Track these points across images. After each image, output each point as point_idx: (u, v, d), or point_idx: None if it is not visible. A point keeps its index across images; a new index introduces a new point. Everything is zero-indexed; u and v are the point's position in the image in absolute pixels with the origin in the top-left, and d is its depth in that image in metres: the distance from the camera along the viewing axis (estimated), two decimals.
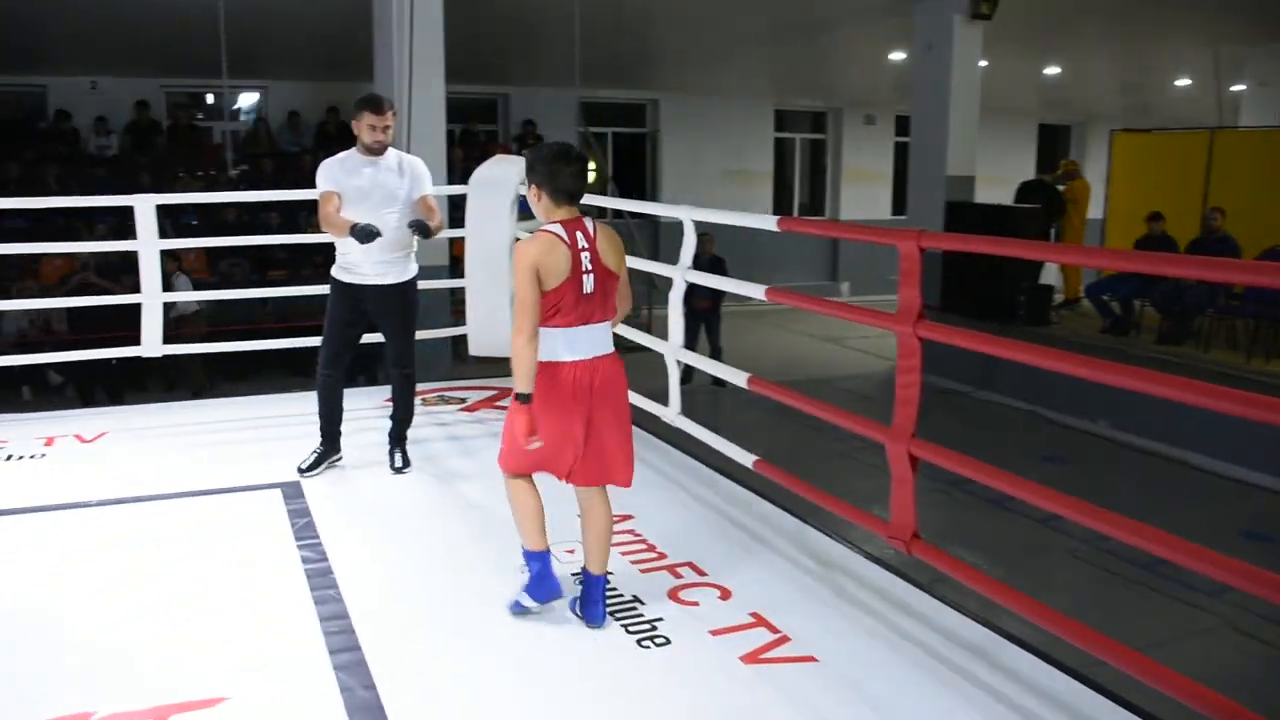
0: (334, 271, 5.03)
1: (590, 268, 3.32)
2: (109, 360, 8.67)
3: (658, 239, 15.69)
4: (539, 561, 3.53)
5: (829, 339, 14.39)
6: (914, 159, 12.57)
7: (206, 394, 9.69)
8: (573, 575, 3.72)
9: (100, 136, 13.42)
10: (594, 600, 3.49)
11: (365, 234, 4.61)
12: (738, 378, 4.24)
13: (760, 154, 17.90)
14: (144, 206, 6.07)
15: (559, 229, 3.31)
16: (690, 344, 11.37)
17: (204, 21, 10.95)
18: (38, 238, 11.27)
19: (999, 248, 3.13)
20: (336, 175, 4.87)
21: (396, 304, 5.04)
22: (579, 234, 3.32)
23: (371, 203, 4.86)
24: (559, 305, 3.30)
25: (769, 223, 3.92)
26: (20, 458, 5.42)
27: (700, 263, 10.87)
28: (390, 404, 5.26)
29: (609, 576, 3.56)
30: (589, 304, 3.34)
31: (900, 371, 3.24)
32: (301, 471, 5.05)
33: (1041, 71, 16.61)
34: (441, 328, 7.75)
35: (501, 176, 6.46)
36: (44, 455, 5.48)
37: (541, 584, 3.54)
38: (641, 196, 16.65)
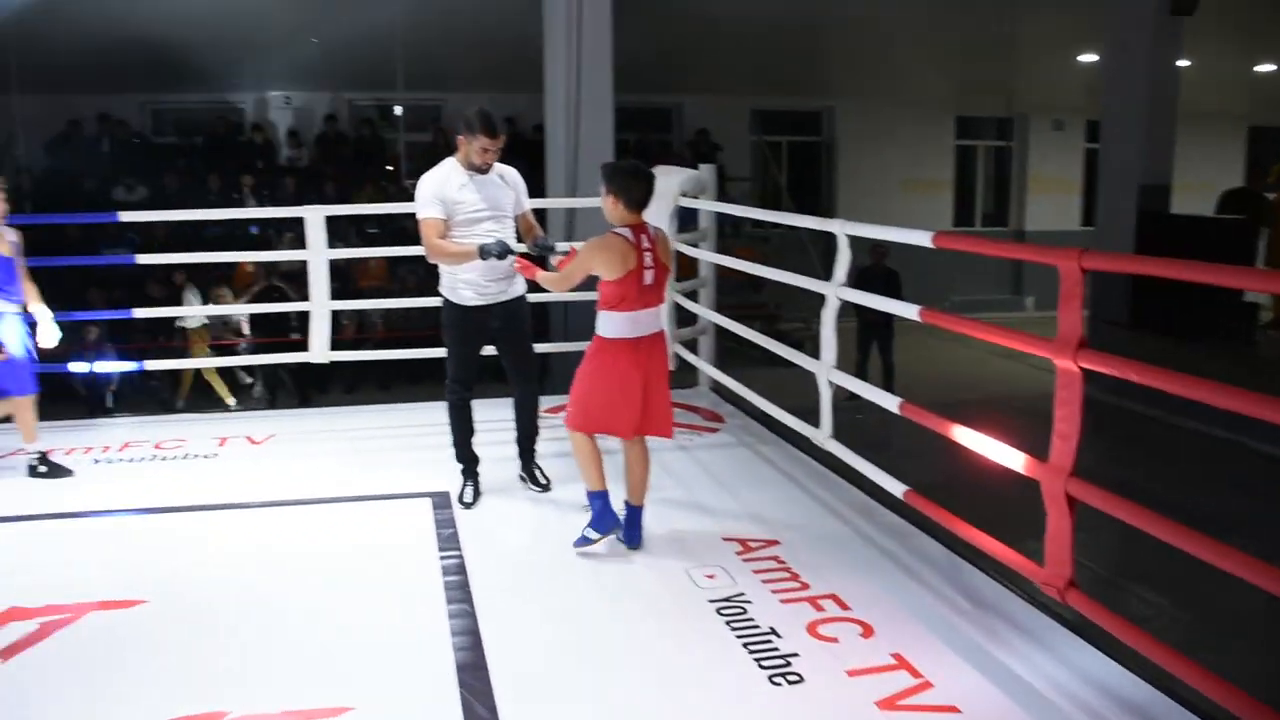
0: (449, 295, 4.87)
1: (650, 264, 4.08)
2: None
3: (831, 251, 15.35)
4: (601, 499, 4.23)
5: (1010, 355, 13.66)
6: (1104, 167, 11.83)
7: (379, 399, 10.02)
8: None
9: (292, 149, 14.09)
10: (635, 524, 4.30)
11: (502, 250, 4.52)
12: (889, 403, 4.02)
13: (940, 162, 17.32)
14: (314, 218, 6.26)
15: (627, 232, 4.05)
16: (863, 360, 11.09)
17: (386, 39, 11.34)
18: (232, 245, 11.95)
19: (1174, 270, 2.83)
20: (444, 197, 4.70)
21: (519, 319, 4.97)
22: (643, 236, 4.08)
23: (487, 219, 4.75)
24: (625, 294, 4.05)
25: (923, 238, 3.70)
26: (195, 457, 5.72)
27: (873, 275, 10.68)
28: (516, 419, 5.13)
29: None
30: (648, 293, 4.12)
31: (1059, 404, 2.98)
32: (466, 505, 4.87)
33: (1252, 69, 15.44)
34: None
35: (662, 188, 6.40)
36: (216, 455, 5.75)
37: (604, 518, 4.22)
38: (815, 206, 16.35)
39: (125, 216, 6.82)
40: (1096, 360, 2.89)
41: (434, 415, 6.31)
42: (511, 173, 4.93)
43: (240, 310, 11.01)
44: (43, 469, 5.34)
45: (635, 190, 4.03)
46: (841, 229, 4.31)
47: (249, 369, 11.61)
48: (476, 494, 4.94)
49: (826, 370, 4.48)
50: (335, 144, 14.23)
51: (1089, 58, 14.38)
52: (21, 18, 9.61)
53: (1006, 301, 16.70)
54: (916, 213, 16.25)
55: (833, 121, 16.64)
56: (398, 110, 15.08)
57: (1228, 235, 10.64)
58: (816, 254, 14.24)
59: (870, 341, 10.92)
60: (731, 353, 7.39)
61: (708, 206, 6.45)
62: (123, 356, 10.78)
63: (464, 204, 4.70)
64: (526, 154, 13.98)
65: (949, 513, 3.66)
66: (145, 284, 11.75)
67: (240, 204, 12.78)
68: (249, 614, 3.73)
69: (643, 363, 4.13)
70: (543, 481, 5.05)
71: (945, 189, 17.42)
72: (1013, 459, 3.22)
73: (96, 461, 5.65)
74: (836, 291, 4.37)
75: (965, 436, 3.47)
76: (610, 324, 4.11)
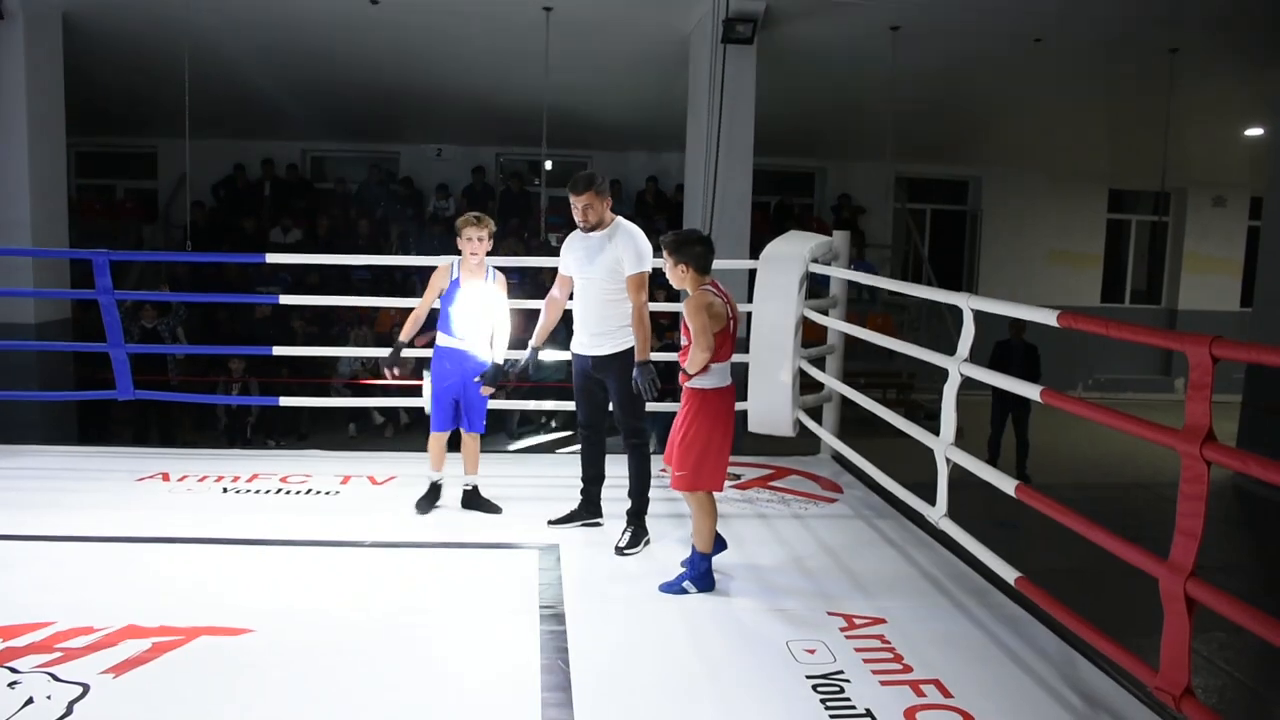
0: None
1: (733, 315, 4.42)
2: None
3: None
4: (709, 561, 4.45)
5: None
6: (1265, 245, 11.29)
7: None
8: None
9: (440, 200, 14.55)
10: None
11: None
12: (1005, 484, 3.87)
13: (1090, 236, 16.76)
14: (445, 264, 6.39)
15: (712, 288, 4.40)
16: (997, 434, 10.74)
17: (531, 96, 11.65)
18: (378, 290, 12.39)
19: None
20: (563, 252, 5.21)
21: (612, 374, 5.05)
22: (722, 291, 4.43)
23: (576, 276, 5.11)
24: (722, 345, 4.38)
25: (1048, 317, 3.57)
26: (318, 493, 5.88)
27: (1011, 349, 10.37)
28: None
29: None
30: (732, 344, 4.45)
31: (1183, 498, 2.81)
32: (550, 523, 5.21)
33: None
34: None
35: (792, 253, 6.35)
36: (338, 493, 5.89)
37: (707, 578, 4.44)
38: (958, 277, 16.02)
39: (272, 258, 7.11)
40: (1223, 454, 2.72)
41: (558, 468, 6.38)
42: (623, 234, 4.99)
43: (377, 353, 11.28)
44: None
45: (705, 260, 4.41)
46: (967, 303, 4.19)
47: (383, 410, 11.93)
48: (565, 521, 5.27)
49: (944, 447, 4.34)
50: (481, 196, 14.64)
51: (1254, 131, 13.79)
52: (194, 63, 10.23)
53: (1155, 382, 15.98)
54: (1063, 286, 15.76)
55: (979, 191, 16.32)
56: (548, 165, 15.47)
57: None
58: (953, 322, 13.93)
59: (1005, 416, 10.58)
60: (862, 420, 7.25)
61: (836, 273, 6.38)
62: (264, 391, 11.26)
63: (563, 260, 5.19)
64: (668, 212, 14.18)
65: (1059, 603, 3.48)
66: (290, 321, 12.30)
67: (388, 250, 13.25)
68: (347, 652, 3.78)
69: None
70: (620, 544, 4.97)
71: (1095, 263, 16.84)
72: (1129, 554, 3.05)
73: (225, 491, 5.86)
74: (959, 366, 4.24)
75: (1080, 525, 3.30)
76: (714, 376, 4.40)
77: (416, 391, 8.26)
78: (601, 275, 4.96)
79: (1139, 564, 3.02)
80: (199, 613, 4.04)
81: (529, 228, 14.07)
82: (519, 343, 5.60)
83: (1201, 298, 16.54)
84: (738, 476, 6.44)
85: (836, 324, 6.59)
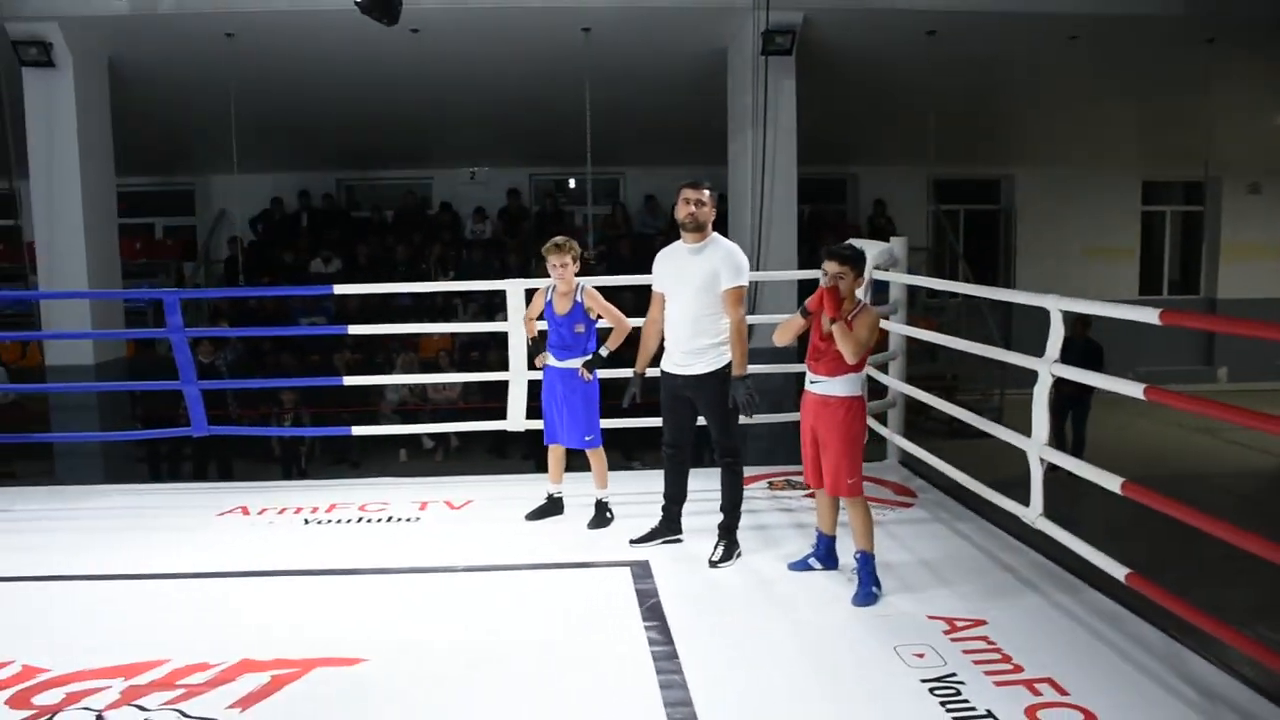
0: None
1: None
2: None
3: (1010, 320, 15.02)
4: (874, 559, 4.54)
5: (1201, 429, 13.11)
6: None
7: None
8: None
9: (477, 223, 14.67)
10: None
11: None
12: (1110, 482, 3.89)
13: (1125, 229, 16.72)
14: (514, 289, 6.47)
15: None
16: (1058, 433, 10.75)
17: (567, 116, 11.74)
18: (419, 315, 12.50)
19: None
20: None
21: (706, 393, 5.05)
22: None
23: (674, 291, 5.10)
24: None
25: (1150, 315, 3.60)
26: (399, 520, 5.92)
27: (1073, 347, 10.35)
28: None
29: None
30: None
31: None
32: (632, 542, 5.23)
33: None
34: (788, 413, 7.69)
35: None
36: (419, 519, 5.94)
37: (876, 576, 4.52)
38: (994, 275, 16.00)
39: (339, 290, 7.18)
40: None
41: (635, 485, 6.40)
42: (721, 247, 5.02)
43: (441, 379, 11.38)
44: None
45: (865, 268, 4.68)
46: (1055, 304, 4.22)
47: (433, 435, 12.02)
48: (647, 540, 5.27)
49: (1038, 448, 4.37)
50: (517, 218, 14.74)
51: None
52: (230, 100, 10.39)
53: (1198, 373, 15.90)
54: (1099, 280, 15.70)
55: (1012, 189, 16.31)
56: (571, 183, 15.58)
57: None
58: (995, 322, 13.93)
59: (1065, 413, 10.63)
60: (909, 424, 7.27)
61: (900, 279, 6.42)
62: (316, 421, 11.39)
63: (657, 278, 5.27)
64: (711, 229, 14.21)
65: (1176, 598, 3.51)
66: (336, 352, 12.43)
67: (428, 275, 13.36)
68: (465, 679, 3.81)
69: None
70: (713, 558, 5.02)
71: (1130, 257, 16.79)
72: (1254, 544, 3.07)
73: (306, 522, 5.91)
74: (1050, 368, 4.27)
75: (1201, 521, 3.33)
76: (859, 384, 4.58)
77: (465, 416, 8.39)
78: (696, 290, 4.95)
79: (1262, 553, 3.04)
80: (310, 644, 4.09)
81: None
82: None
83: (1241, 286, 16.44)
84: (809, 486, 6.45)
85: (900, 329, 6.63)
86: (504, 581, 4.89)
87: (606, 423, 5.68)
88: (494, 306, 12.99)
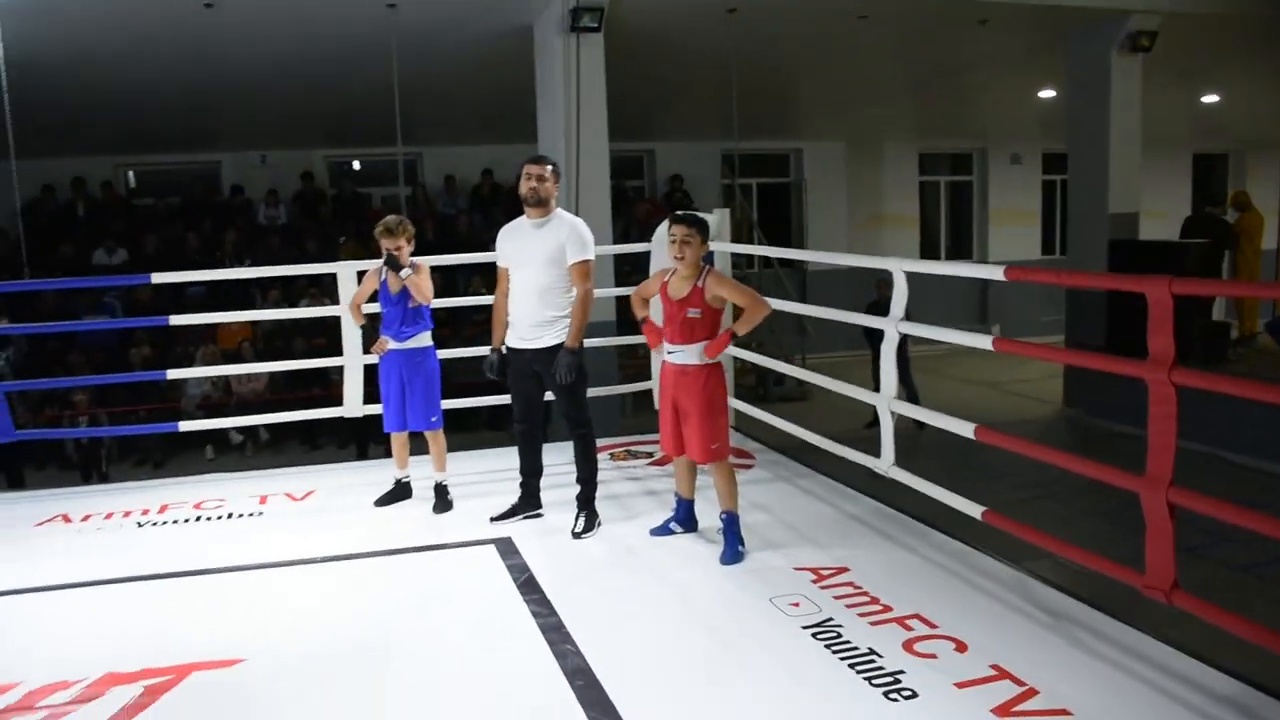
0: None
1: None
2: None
3: (805, 285, 15.69)
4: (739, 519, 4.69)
5: (985, 384, 14.11)
6: (1073, 198, 12.28)
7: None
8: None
9: (270, 208, 14.10)
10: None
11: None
12: (964, 429, 4.20)
13: (905, 199, 17.75)
14: (345, 273, 6.33)
15: None
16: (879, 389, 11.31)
17: (364, 95, 11.45)
18: (214, 304, 11.95)
19: (1261, 290, 3.03)
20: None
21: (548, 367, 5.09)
22: None
23: (517, 266, 5.12)
24: None
25: (995, 272, 3.89)
26: (241, 515, 5.71)
27: (881, 308, 10.94)
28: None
29: None
30: None
31: (1153, 419, 3.17)
32: (492, 519, 5.26)
33: (1199, 100, 16.06)
34: (610, 385, 7.80)
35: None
36: (261, 513, 5.74)
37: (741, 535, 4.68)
38: (787, 245, 16.64)
39: (158, 278, 6.72)
40: (1189, 377, 3.08)
41: (476, 464, 6.37)
42: (566, 221, 5.12)
43: (255, 369, 10.91)
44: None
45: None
46: (898, 266, 4.50)
47: (241, 429, 11.55)
48: (508, 515, 5.31)
49: (888, 401, 4.65)
50: (313, 202, 14.27)
51: (1046, 93, 14.89)
52: None
53: (975, 331, 17.03)
54: (885, 247, 16.61)
55: (800, 163, 16.99)
56: (355, 164, 15.21)
57: (1195, 258, 11.04)
58: (792, 287, 14.54)
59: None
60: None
61: (732, 249, 6.63)
62: (115, 421, 10.74)
63: (501, 252, 5.32)
64: (505, 204, 14.17)
65: (1034, 530, 3.83)
66: (128, 349, 11.73)
67: (223, 264, 12.76)
68: (360, 667, 3.74)
69: None
70: (576, 529, 5.10)
71: (912, 224, 17.83)
72: (1108, 474, 3.40)
73: (140, 525, 5.61)
74: (896, 326, 4.55)
75: (1048, 455, 3.64)
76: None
77: (273, 407, 8.08)
78: (542, 264, 5.00)
79: (1117, 482, 3.37)
80: (179, 650, 3.88)
81: (369, 230, 13.85)
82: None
83: (1008, 249, 17.70)
84: (651, 454, 6.62)
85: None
86: (370, 568, 4.80)
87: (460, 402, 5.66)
88: (294, 294, 12.56)
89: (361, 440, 10.52)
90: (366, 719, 3.39)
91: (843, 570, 4.46)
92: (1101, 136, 11.47)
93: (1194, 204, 17.69)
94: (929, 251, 18.01)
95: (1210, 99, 16.09)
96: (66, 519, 5.78)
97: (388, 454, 6.13)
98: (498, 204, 14.12)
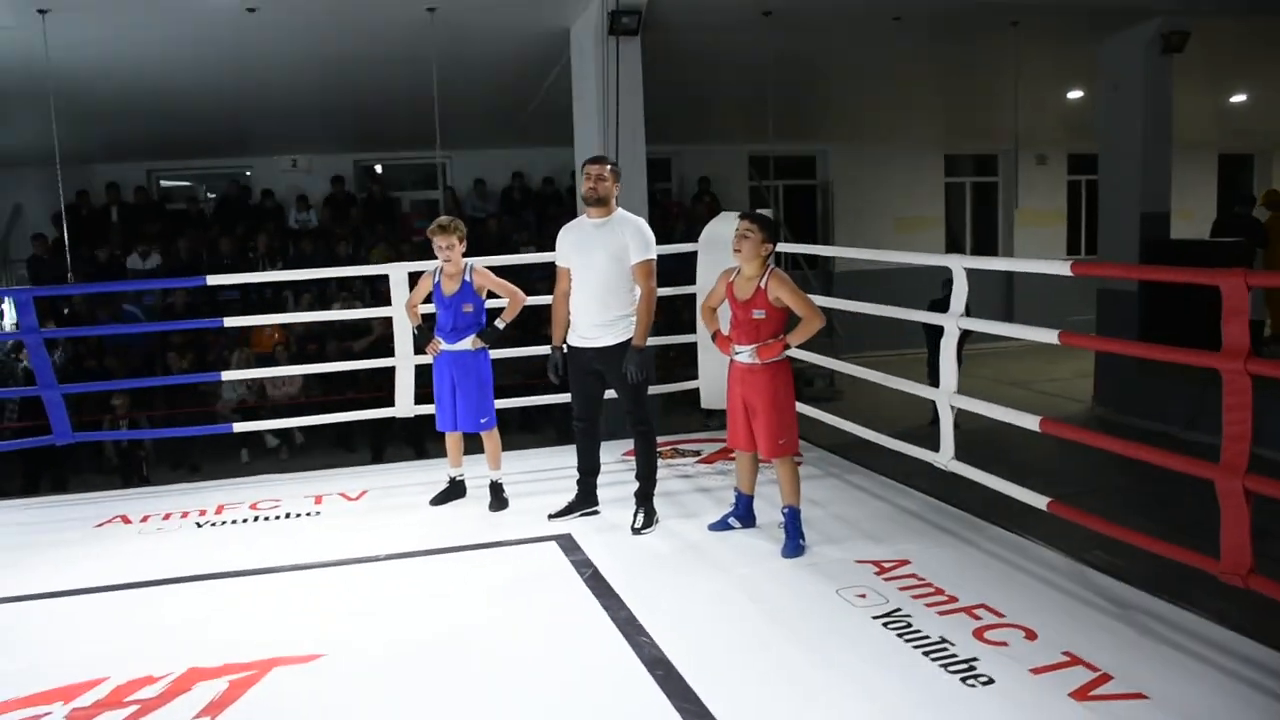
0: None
1: None
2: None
3: (830, 287, 15.72)
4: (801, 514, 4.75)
5: (1015, 383, 14.10)
6: (1104, 198, 12.28)
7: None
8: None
9: (301, 211, 14.22)
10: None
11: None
12: (1029, 422, 4.25)
13: (931, 200, 17.76)
14: (397, 275, 6.40)
15: None
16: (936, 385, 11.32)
17: (396, 99, 11.54)
18: (249, 308, 12.07)
19: None
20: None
21: (617, 364, 5.13)
22: None
23: (579, 265, 5.16)
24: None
25: (1063, 268, 3.94)
26: (297, 515, 5.78)
27: (942, 305, 10.93)
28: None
29: None
30: None
31: (1228, 409, 3.22)
32: (550, 516, 5.30)
33: (1226, 100, 16.04)
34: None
35: (730, 234, 6.62)
36: (318, 513, 5.81)
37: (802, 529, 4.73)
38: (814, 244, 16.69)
39: (212, 280, 6.84)
40: (1266, 367, 3.13)
41: (528, 463, 6.44)
42: (628, 220, 5.17)
43: (289, 372, 11.00)
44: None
45: None
46: (959, 263, 4.55)
47: (276, 432, 11.62)
48: (565, 513, 5.34)
49: (948, 396, 4.70)
50: (344, 205, 14.39)
51: (1075, 94, 14.89)
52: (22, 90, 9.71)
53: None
54: (911, 248, 16.57)
55: (827, 165, 17.04)
56: (378, 168, 15.32)
57: (1227, 257, 11.01)
58: (819, 288, 14.58)
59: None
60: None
61: (792, 248, 6.68)
62: (155, 424, 10.86)
63: (560, 252, 5.33)
64: (538, 206, 14.26)
65: (1103, 520, 3.87)
66: (163, 354, 11.84)
67: (256, 267, 12.89)
68: (438, 662, 3.77)
69: None
70: (635, 525, 5.16)
71: (937, 225, 17.84)
72: (1185, 465, 3.45)
73: (199, 525, 5.68)
74: (956, 322, 4.60)
75: (1120, 447, 3.69)
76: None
77: (308, 410, 8.14)
78: (604, 263, 5.04)
79: (1194, 471, 3.42)
80: (260, 645, 3.94)
81: (400, 233, 13.98)
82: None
83: (1033, 249, 17.70)
84: (699, 453, 6.68)
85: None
86: (434, 565, 4.86)
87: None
88: (327, 297, 12.65)
89: (413, 443, 10.65)
90: (451, 711, 3.44)
91: (904, 563, 4.51)
92: (1133, 137, 11.48)
93: (1219, 204, 17.66)
94: (956, 251, 18.00)
95: (1237, 99, 16.07)
96: (126, 520, 5.87)
97: (441, 453, 6.19)
98: (528, 207, 14.22)
